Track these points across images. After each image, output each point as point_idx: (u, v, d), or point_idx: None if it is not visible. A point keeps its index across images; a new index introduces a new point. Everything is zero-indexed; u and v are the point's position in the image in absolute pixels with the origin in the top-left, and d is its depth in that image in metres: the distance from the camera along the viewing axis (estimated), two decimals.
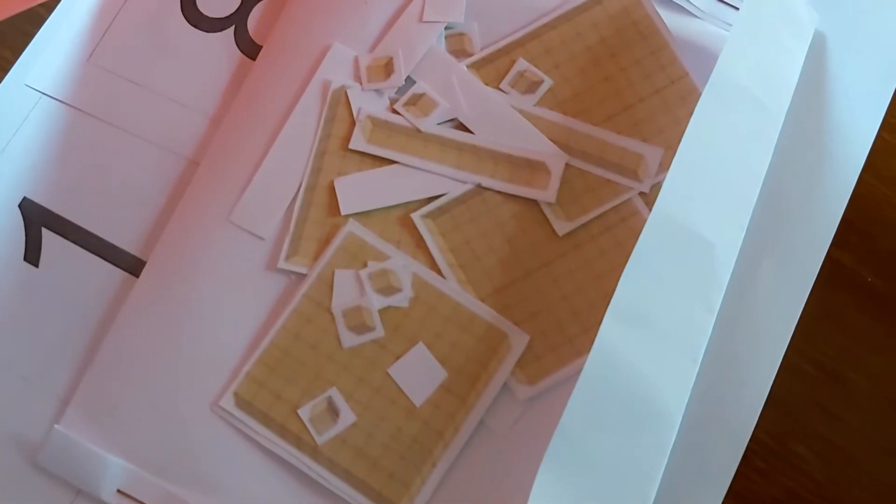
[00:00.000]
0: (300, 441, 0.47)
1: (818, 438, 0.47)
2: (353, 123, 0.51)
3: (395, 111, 0.52)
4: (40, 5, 0.55)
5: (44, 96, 0.54)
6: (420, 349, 0.48)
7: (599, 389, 0.44)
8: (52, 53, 0.54)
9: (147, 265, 0.50)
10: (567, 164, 0.51)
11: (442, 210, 0.50)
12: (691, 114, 0.47)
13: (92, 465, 0.47)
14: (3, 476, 0.48)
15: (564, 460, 0.43)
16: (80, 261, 0.51)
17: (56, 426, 0.48)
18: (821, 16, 0.53)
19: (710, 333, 0.46)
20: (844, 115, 0.52)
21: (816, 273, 0.49)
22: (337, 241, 0.50)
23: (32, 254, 0.51)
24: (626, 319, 0.44)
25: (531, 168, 0.50)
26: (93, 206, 0.52)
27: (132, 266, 0.51)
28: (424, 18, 0.53)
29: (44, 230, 0.51)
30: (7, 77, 0.54)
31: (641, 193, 0.50)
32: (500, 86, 0.52)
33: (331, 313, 0.49)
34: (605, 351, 0.44)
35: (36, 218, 0.52)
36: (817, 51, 0.53)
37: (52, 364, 0.49)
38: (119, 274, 0.51)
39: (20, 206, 0.52)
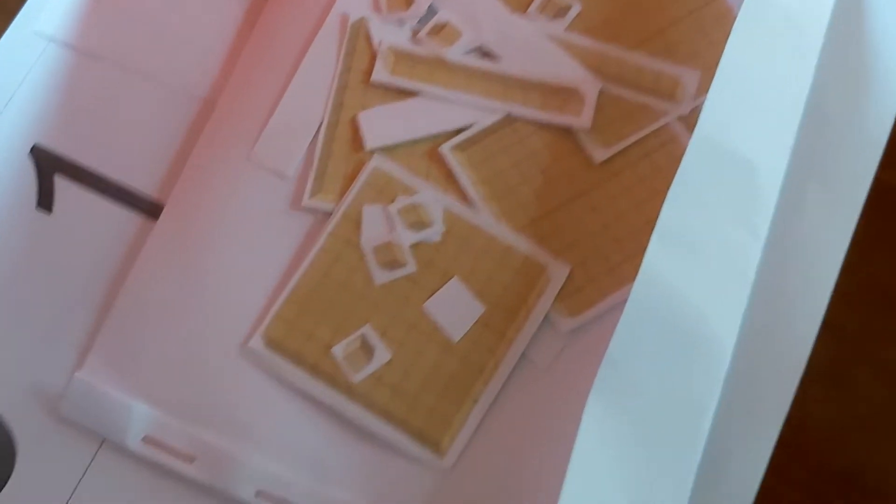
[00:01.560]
0: (334, 380, 0.45)
1: (875, 362, 0.45)
2: (374, 56, 0.49)
3: (417, 41, 0.49)
4: None
5: (52, 41, 0.51)
6: (455, 284, 0.46)
7: (647, 316, 0.41)
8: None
9: (166, 208, 0.48)
10: (601, 91, 0.48)
11: (471, 141, 0.48)
12: (726, 36, 0.45)
13: (116, 412, 0.45)
14: (25, 430, 0.46)
15: (614, 390, 0.41)
16: (95, 206, 0.49)
17: (76, 374, 0.45)
18: None
19: (758, 259, 0.44)
20: (886, 31, 0.50)
21: (865, 195, 0.47)
22: (363, 177, 0.47)
23: (45, 201, 0.49)
24: (672, 243, 0.42)
25: (563, 95, 0.48)
26: (106, 151, 0.50)
27: (150, 210, 0.49)
28: None
29: (56, 176, 0.49)
30: (14, 22, 0.52)
31: (680, 118, 0.48)
32: (528, 11, 0.50)
33: (360, 250, 0.46)
34: (652, 276, 0.42)
35: (48, 164, 0.49)
36: None
37: (70, 313, 0.47)
38: (136, 218, 0.49)
39: (31, 153, 0.49)
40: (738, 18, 0.45)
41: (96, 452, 0.45)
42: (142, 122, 0.50)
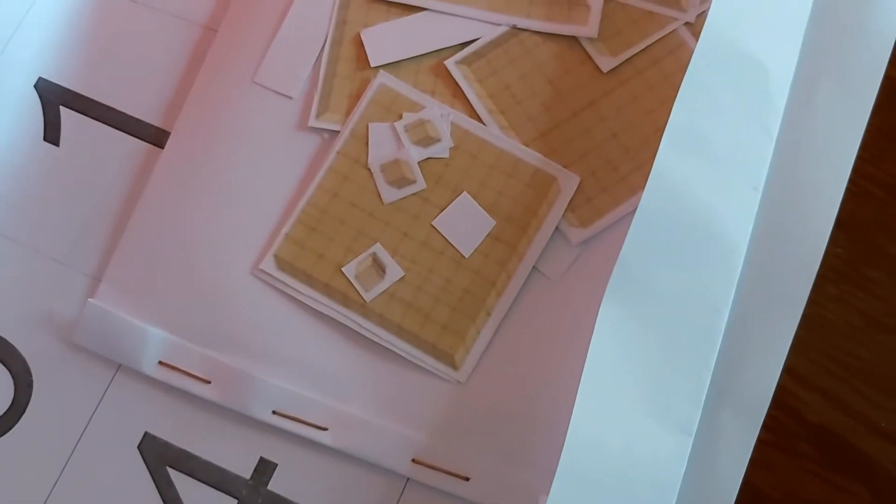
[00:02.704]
0: (347, 299, 0.44)
1: (890, 260, 0.44)
2: None
3: None
4: None
5: None
6: (465, 199, 0.45)
7: (660, 218, 0.41)
8: None
9: (172, 134, 0.48)
10: None
11: (477, 55, 0.47)
12: None
13: (130, 337, 0.45)
14: (42, 359, 0.46)
15: (627, 293, 0.41)
16: (102, 136, 0.49)
17: (90, 300, 0.45)
18: None
19: (770, 160, 0.43)
20: None
21: (875, 94, 0.46)
22: (368, 95, 0.47)
23: (52, 133, 0.49)
24: (684, 144, 0.42)
25: (568, 4, 0.47)
26: (110, 81, 0.50)
27: (156, 138, 0.48)
28: None
29: (62, 109, 0.49)
30: None
31: (687, 24, 0.47)
32: None
33: (368, 169, 0.46)
34: (664, 177, 0.41)
35: (53, 97, 0.49)
36: None
37: (82, 243, 0.47)
38: (143, 146, 0.48)
39: (36, 86, 0.49)
40: None
41: (112, 378, 0.46)
42: (144, 51, 0.50)
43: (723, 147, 0.43)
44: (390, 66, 0.48)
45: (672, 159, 0.42)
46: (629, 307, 0.41)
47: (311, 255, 0.45)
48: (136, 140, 0.49)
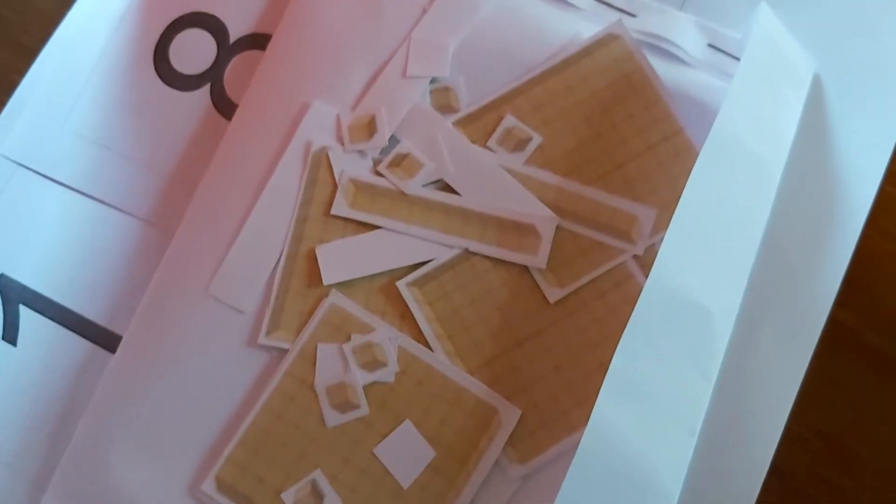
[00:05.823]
0: None
1: None
2: (335, 187, 0.49)
3: (378, 173, 0.49)
4: (13, 71, 0.53)
5: (20, 167, 0.52)
6: (407, 427, 0.46)
7: (594, 470, 0.42)
8: (25, 121, 0.52)
9: (122, 343, 0.49)
10: (558, 227, 0.48)
11: (428, 277, 0.48)
12: (686, 171, 0.45)
13: None
14: None
15: None
16: (57, 338, 0.50)
17: None
18: (816, 61, 0.50)
19: (707, 404, 0.44)
20: (844, 167, 0.50)
21: (818, 336, 0.47)
22: (319, 314, 0.48)
23: (10, 333, 0.50)
24: (622, 395, 0.42)
25: (520, 232, 0.48)
26: (71, 281, 0.51)
27: (106, 341, 0.49)
28: (408, 73, 0.51)
29: (21, 307, 0.50)
30: None
31: (635, 256, 0.48)
32: (488, 144, 0.50)
33: (314, 391, 0.47)
34: (601, 429, 0.42)
35: (14, 295, 0.50)
36: (815, 98, 0.50)
37: (30, 447, 0.48)
38: (98, 351, 0.49)
39: None
40: (700, 155, 0.45)
41: None
42: (106, 252, 0.51)
43: (661, 394, 0.43)
44: (343, 284, 0.49)
45: (610, 410, 0.42)
46: None
47: (252, 479, 0.46)
48: (92, 344, 0.49)
